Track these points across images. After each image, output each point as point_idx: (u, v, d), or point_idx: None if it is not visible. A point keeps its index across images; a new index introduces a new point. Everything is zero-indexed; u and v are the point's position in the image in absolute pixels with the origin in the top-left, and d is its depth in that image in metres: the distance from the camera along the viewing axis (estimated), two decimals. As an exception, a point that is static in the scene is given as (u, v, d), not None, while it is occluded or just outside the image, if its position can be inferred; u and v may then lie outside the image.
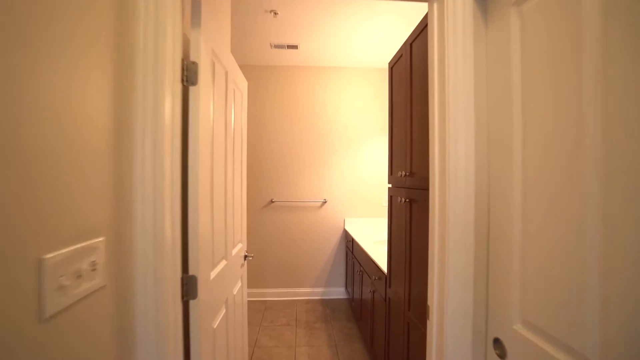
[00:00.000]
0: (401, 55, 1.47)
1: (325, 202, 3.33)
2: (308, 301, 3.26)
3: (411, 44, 1.35)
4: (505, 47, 0.81)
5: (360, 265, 2.49)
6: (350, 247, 3.02)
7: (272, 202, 3.29)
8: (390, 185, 1.67)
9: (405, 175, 1.36)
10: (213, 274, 1.14)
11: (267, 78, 3.29)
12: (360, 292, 2.55)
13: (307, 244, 3.34)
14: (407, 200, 1.35)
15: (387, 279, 1.69)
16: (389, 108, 1.68)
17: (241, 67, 3.23)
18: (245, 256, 1.74)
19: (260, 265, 3.29)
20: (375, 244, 2.60)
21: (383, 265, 1.83)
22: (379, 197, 3.38)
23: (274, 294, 3.31)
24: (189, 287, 0.95)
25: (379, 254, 2.10)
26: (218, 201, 1.22)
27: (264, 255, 3.30)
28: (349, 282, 3.13)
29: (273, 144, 3.29)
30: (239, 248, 1.63)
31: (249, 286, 3.28)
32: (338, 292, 3.37)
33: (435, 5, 0.95)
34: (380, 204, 3.38)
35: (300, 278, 3.34)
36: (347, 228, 3.26)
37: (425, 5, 1.03)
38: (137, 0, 0.80)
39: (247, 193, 3.28)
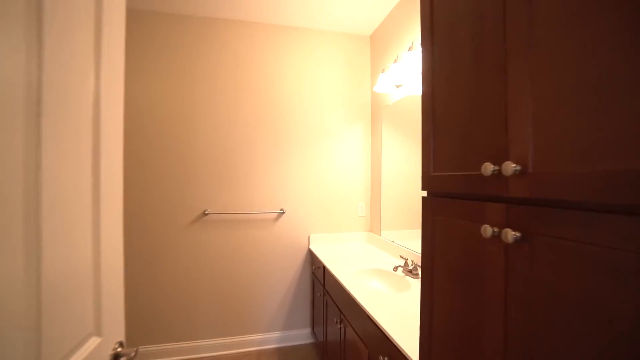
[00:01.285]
0: None
1: (283, 212, 2.42)
2: (260, 353, 2.31)
3: None
4: None
5: (342, 313, 1.63)
6: (320, 278, 2.15)
7: (205, 214, 2.28)
8: (425, 194, 0.84)
9: (519, 171, 0.53)
10: None
11: (195, 39, 2.28)
12: (339, 346, 1.70)
13: (257, 272, 2.40)
14: (518, 235, 0.53)
15: (419, 377, 0.86)
16: (425, 35, 0.85)
17: (147, 13, 2.19)
18: (117, 357, 0.77)
19: (189, 306, 2.26)
20: (362, 276, 1.77)
21: (404, 341, 1.00)
22: (355, 204, 2.57)
23: (211, 347, 2.30)
24: None
25: (377, 305, 1.27)
26: None
27: (194, 291, 2.28)
28: (317, 321, 2.27)
29: (207, 138, 2.29)
30: (90, 351, 0.67)
31: (173, 340, 2.23)
32: (301, 336, 2.48)
33: None
34: (355, 214, 2.57)
35: (248, 321, 2.38)
36: (313, 248, 2.39)
37: None
38: None
39: (167, 202, 2.20)
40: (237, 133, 2.33)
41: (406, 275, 1.70)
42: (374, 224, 2.51)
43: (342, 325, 1.63)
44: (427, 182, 0.83)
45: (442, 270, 0.76)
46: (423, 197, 0.85)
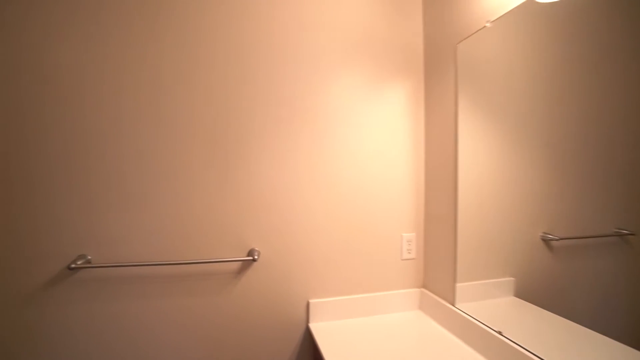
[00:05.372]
0: None
1: (255, 259, 1.17)
2: None
3: None
4: None
5: None
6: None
7: (72, 268, 1.03)
8: None
9: None
10: None
11: None
12: None
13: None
14: None
15: None
16: None
17: None
18: None
19: None
20: None
21: None
22: (395, 238, 1.33)
23: None
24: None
25: None
26: None
27: None
28: None
29: (67, 118, 1.06)
30: None
31: None
32: None
33: None
34: (396, 255, 1.33)
35: None
36: (317, 331, 1.14)
37: None
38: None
39: None
40: (143, 113, 1.10)
41: None
42: (435, 275, 1.27)
43: None
44: None
45: None
46: None
